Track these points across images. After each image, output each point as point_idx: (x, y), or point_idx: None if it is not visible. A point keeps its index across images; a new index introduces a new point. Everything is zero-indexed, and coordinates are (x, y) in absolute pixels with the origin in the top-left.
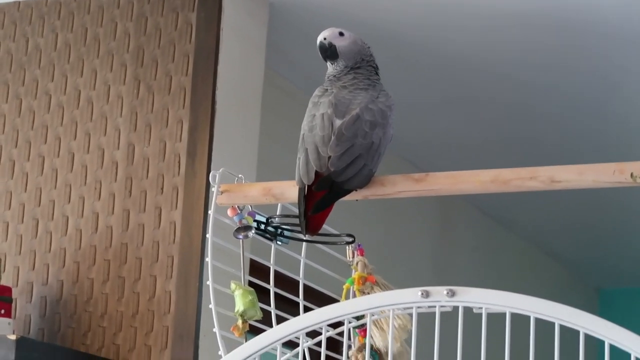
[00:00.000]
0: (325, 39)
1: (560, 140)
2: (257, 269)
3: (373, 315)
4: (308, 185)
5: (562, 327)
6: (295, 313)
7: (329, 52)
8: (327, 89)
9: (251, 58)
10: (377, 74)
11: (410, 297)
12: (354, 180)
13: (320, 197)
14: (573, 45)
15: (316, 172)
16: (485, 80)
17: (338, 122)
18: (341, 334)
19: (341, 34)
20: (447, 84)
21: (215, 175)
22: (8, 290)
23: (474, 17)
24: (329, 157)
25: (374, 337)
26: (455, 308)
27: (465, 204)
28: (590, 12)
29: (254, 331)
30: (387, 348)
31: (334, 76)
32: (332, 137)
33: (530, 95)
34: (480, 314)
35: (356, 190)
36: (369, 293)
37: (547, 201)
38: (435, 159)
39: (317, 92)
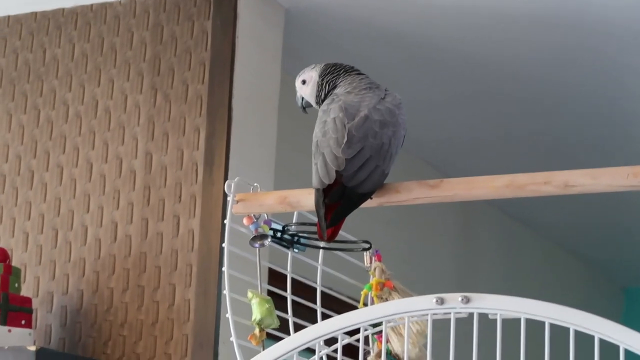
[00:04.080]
0: (297, 93)
1: (576, 136)
2: (275, 277)
3: (389, 323)
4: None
5: (577, 331)
6: (313, 320)
7: (305, 105)
8: (334, 99)
9: (267, 64)
10: (360, 73)
11: (425, 304)
12: (367, 182)
13: (335, 208)
14: (587, 45)
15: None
16: (498, 77)
17: (349, 125)
18: (359, 340)
19: (303, 82)
20: (459, 82)
21: (230, 185)
22: (28, 300)
23: (485, 17)
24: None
25: (393, 342)
26: (471, 314)
27: (486, 205)
28: (602, 11)
29: (271, 339)
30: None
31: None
32: (345, 139)
33: (545, 91)
34: (495, 320)
35: (371, 198)
36: (387, 299)
37: (570, 201)
38: (451, 157)
39: (327, 100)
